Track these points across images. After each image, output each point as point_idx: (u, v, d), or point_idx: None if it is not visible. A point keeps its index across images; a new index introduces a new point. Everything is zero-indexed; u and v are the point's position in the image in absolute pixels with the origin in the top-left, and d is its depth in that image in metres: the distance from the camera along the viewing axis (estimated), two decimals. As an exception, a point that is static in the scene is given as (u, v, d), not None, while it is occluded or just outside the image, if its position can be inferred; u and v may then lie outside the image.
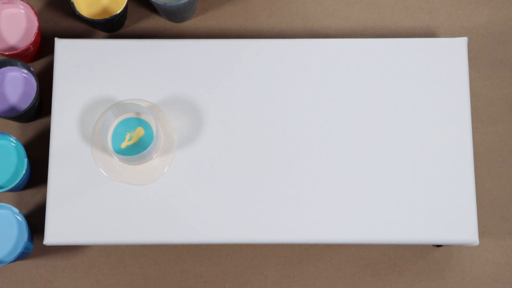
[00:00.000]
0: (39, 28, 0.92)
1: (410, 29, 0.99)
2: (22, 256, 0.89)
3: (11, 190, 0.90)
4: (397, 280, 0.94)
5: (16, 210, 0.88)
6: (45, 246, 0.94)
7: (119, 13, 0.91)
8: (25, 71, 0.93)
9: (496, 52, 0.99)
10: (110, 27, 0.95)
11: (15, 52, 0.91)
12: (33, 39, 0.91)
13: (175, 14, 0.94)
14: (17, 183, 0.88)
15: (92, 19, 0.91)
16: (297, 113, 0.89)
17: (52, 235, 0.85)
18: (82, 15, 0.91)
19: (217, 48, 0.90)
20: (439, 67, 0.90)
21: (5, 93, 0.93)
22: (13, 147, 0.90)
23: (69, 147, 0.88)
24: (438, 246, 0.95)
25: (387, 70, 0.90)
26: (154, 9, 1.00)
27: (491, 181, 0.97)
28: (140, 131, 0.88)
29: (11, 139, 0.90)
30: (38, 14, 0.99)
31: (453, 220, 0.86)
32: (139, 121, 0.88)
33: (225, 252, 0.95)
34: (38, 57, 0.97)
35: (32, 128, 0.96)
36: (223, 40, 0.90)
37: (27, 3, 0.93)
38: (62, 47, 0.90)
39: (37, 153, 0.96)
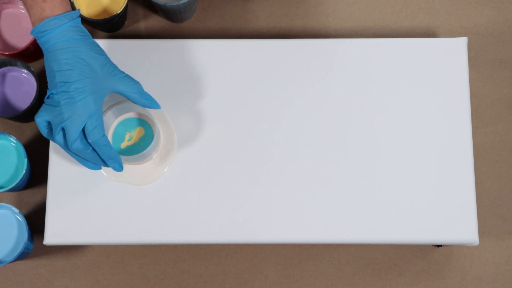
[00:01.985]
0: (39, 28, 0.92)
1: (410, 29, 0.99)
2: (22, 256, 0.89)
3: (11, 190, 0.90)
4: (397, 280, 0.94)
5: (16, 210, 0.88)
6: (45, 246, 0.94)
7: (119, 13, 0.91)
8: (25, 71, 0.93)
9: (496, 52, 0.99)
10: (110, 27, 0.95)
11: (15, 52, 0.91)
12: (33, 39, 0.91)
13: (175, 14, 0.94)
14: (17, 183, 0.88)
15: (92, 19, 0.91)
16: (297, 113, 0.89)
17: (52, 235, 0.85)
18: (82, 15, 0.91)
19: (217, 48, 0.90)
20: (439, 67, 0.90)
21: (5, 93, 0.93)
22: (13, 147, 0.90)
23: (69, 147, 0.88)
24: (438, 246, 0.95)
25: (387, 70, 0.90)
26: (154, 9, 1.00)
27: (491, 181, 0.97)
28: (140, 131, 0.88)
29: (11, 139, 0.90)
30: (38, 14, 0.99)
31: (453, 220, 0.86)
32: (139, 121, 0.88)
33: (225, 252, 0.95)
34: (38, 57, 0.97)
35: (32, 128, 0.96)
36: (223, 40, 0.90)
37: (27, 3, 0.93)
38: (62, 47, 0.90)
39: (37, 153, 0.96)
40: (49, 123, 0.75)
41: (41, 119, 0.74)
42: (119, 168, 0.79)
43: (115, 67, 0.76)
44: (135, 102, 0.79)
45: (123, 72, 0.77)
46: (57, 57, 0.72)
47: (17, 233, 0.88)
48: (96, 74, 0.74)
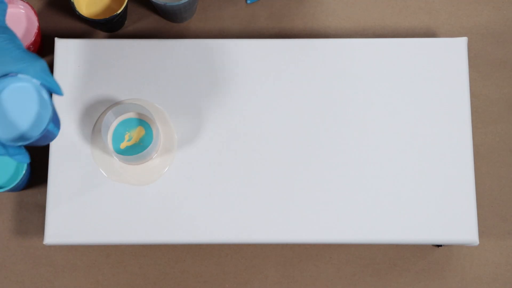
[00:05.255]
0: (39, 28, 0.92)
1: (410, 29, 0.99)
2: (46, 138, 0.72)
3: (11, 190, 0.90)
4: (397, 280, 0.94)
5: (38, 83, 0.70)
6: (45, 246, 0.94)
7: (119, 13, 0.91)
8: (25, 71, 0.92)
9: (496, 52, 0.99)
10: (110, 27, 0.96)
11: (15, 52, 0.91)
12: (33, 39, 0.91)
13: (175, 14, 0.94)
14: (17, 183, 0.88)
15: (92, 19, 0.91)
16: (297, 113, 0.89)
17: (52, 235, 0.85)
18: (82, 15, 0.91)
19: (217, 48, 0.90)
20: (439, 67, 0.90)
21: (5, 93, 0.92)
22: (13, 147, 0.90)
23: (69, 147, 0.88)
24: (438, 246, 0.95)
25: (387, 70, 0.90)
26: (154, 9, 1.00)
27: (491, 181, 0.97)
28: (140, 131, 0.88)
29: (11, 139, 0.90)
30: (38, 14, 0.99)
31: (453, 220, 0.86)
32: (139, 121, 0.88)
33: (225, 252, 0.95)
34: (38, 57, 0.97)
35: (32, 128, 0.96)
36: (223, 40, 0.90)
37: (27, 3, 0.93)
38: (62, 47, 0.90)
39: (37, 153, 0.96)
40: None
41: None
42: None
43: (13, 46, 0.68)
44: (38, 80, 0.69)
45: (23, 51, 0.69)
46: None
47: (38, 108, 0.70)
48: None
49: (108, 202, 0.86)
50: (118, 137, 0.88)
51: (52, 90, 0.70)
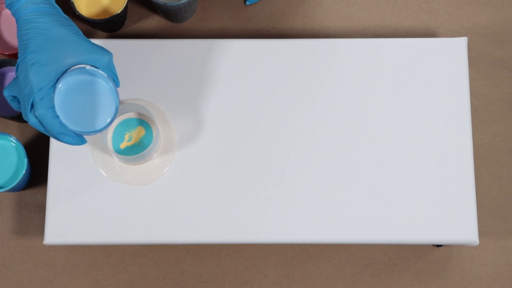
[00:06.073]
0: (39, 28, 0.92)
1: (410, 29, 0.99)
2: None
3: (11, 190, 0.90)
4: (397, 280, 0.94)
5: (105, 75, 0.75)
6: (45, 246, 0.94)
7: (119, 13, 0.91)
8: (25, 71, 0.92)
9: (496, 52, 0.99)
10: (110, 27, 0.95)
11: (15, 52, 0.91)
12: (33, 39, 0.91)
13: (175, 14, 0.94)
14: (17, 183, 0.88)
15: (92, 19, 0.91)
16: (297, 113, 0.89)
17: (52, 235, 0.85)
18: (82, 15, 0.91)
19: (217, 48, 0.90)
20: (439, 67, 0.90)
21: (5, 93, 0.92)
22: (13, 147, 0.91)
23: (69, 147, 0.88)
24: (438, 246, 0.95)
25: (387, 70, 0.90)
26: (154, 9, 1.00)
27: (491, 181, 0.97)
28: (140, 131, 0.88)
29: (11, 139, 0.90)
30: (38, 14, 0.99)
31: (453, 220, 0.86)
32: (139, 121, 0.88)
33: (225, 252, 0.95)
34: (38, 57, 0.97)
35: (32, 128, 0.96)
36: (223, 40, 0.90)
37: (27, 3, 0.93)
38: (62, 47, 0.90)
39: (37, 153, 0.96)
40: (15, 97, 0.73)
41: (7, 94, 0.73)
42: (73, 141, 0.73)
43: (81, 38, 0.73)
44: (103, 71, 0.75)
45: (92, 43, 0.73)
46: (21, 28, 0.72)
47: (107, 101, 0.77)
48: (56, 46, 0.71)
49: (108, 202, 0.86)
50: (118, 137, 0.88)
51: (114, 81, 0.74)
